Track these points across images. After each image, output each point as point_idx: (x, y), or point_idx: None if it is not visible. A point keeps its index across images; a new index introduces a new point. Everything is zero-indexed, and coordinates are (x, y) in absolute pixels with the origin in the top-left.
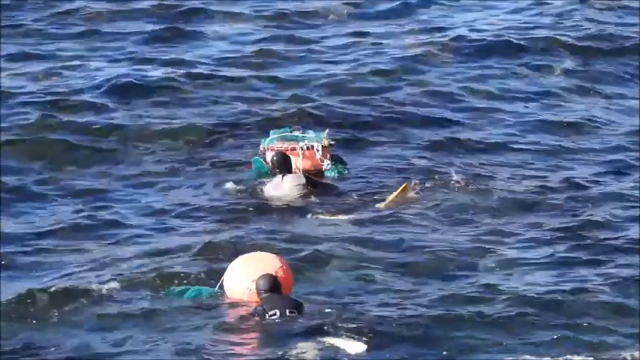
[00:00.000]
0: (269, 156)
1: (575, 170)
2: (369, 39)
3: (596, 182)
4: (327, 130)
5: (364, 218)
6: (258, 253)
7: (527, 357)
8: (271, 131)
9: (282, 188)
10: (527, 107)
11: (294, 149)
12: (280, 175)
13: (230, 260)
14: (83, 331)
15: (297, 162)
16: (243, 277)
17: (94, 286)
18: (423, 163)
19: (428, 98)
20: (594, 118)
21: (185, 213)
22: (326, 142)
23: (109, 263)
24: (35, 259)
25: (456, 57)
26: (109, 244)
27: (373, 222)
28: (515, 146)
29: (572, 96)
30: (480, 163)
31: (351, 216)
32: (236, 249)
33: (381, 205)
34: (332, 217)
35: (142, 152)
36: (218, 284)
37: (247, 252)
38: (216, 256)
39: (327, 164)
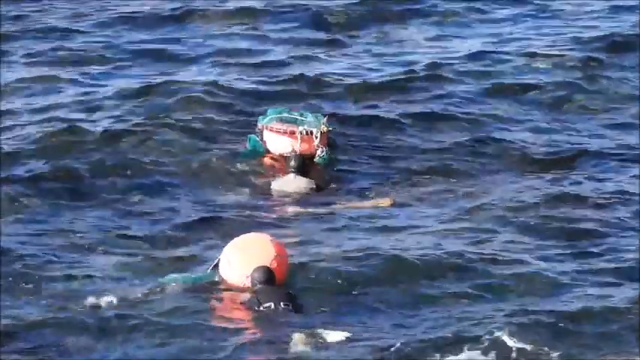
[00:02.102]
0: (267, 136)
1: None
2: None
3: (601, 183)
4: (326, 117)
5: (360, 214)
6: (253, 238)
7: None
8: (269, 110)
9: (290, 185)
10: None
11: (293, 133)
12: (292, 175)
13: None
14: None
15: (295, 145)
16: (239, 272)
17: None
18: (430, 165)
19: (441, 102)
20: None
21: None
22: (324, 129)
23: (107, 256)
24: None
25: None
26: (110, 236)
27: (369, 218)
28: (526, 151)
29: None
30: (486, 168)
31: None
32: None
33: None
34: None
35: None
36: (211, 266)
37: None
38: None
39: (321, 151)
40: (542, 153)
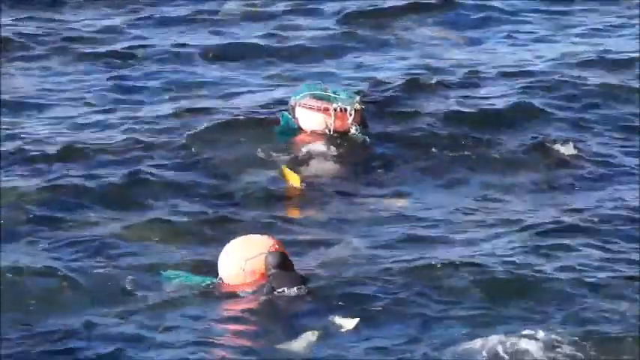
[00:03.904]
0: (299, 113)
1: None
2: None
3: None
4: (360, 95)
5: (367, 201)
6: (250, 235)
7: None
8: (302, 85)
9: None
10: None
11: (327, 109)
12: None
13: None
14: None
15: (329, 122)
16: (237, 258)
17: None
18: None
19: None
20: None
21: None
22: (358, 106)
23: (119, 243)
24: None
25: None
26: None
27: (388, 211)
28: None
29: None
30: (514, 168)
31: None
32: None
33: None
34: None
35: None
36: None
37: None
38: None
39: (355, 128)
40: (574, 156)
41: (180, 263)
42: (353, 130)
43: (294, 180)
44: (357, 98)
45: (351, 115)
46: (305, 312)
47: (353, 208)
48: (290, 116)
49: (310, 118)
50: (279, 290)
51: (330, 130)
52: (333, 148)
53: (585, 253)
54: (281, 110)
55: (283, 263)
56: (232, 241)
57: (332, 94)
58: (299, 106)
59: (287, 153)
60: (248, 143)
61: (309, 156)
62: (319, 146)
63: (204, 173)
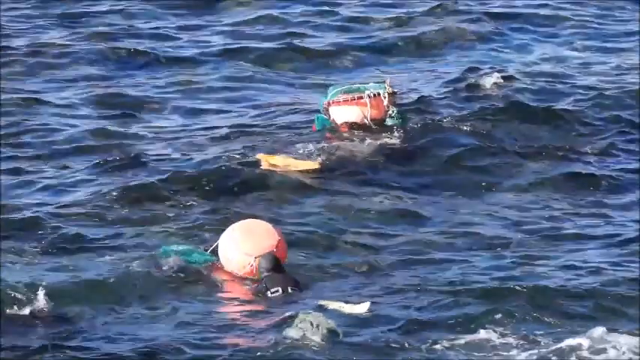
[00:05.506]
0: (334, 111)
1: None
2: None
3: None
4: (389, 80)
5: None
6: (255, 222)
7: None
8: (330, 87)
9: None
10: None
11: (360, 98)
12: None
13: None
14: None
15: (365, 111)
16: (245, 254)
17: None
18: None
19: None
20: None
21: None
22: (390, 90)
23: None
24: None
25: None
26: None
27: (382, 193)
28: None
29: None
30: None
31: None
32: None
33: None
34: None
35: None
36: (210, 249)
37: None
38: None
39: (392, 111)
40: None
41: None
42: (390, 113)
43: (275, 163)
44: (388, 81)
45: (385, 97)
46: (306, 306)
47: (363, 202)
48: (325, 117)
49: (345, 111)
50: (273, 290)
51: (367, 120)
52: (361, 139)
53: (586, 256)
54: (316, 114)
55: (276, 266)
56: (239, 231)
57: (361, 86)
58: (332, 104)
59: (320, 148)
60: (279, 145)
61: (337, 146)
62: (350, 137)
63: (227, 169)
